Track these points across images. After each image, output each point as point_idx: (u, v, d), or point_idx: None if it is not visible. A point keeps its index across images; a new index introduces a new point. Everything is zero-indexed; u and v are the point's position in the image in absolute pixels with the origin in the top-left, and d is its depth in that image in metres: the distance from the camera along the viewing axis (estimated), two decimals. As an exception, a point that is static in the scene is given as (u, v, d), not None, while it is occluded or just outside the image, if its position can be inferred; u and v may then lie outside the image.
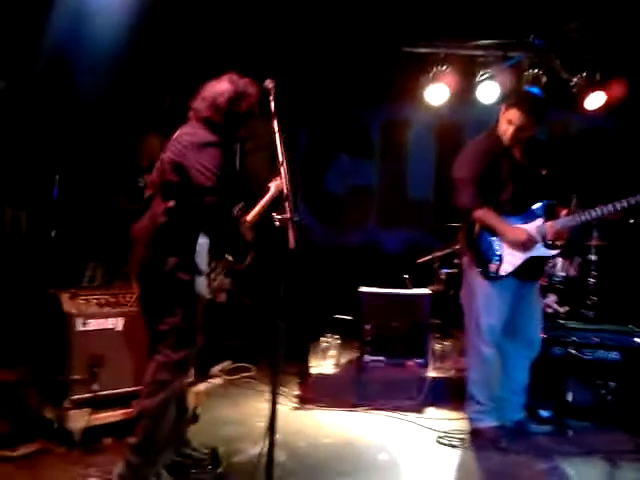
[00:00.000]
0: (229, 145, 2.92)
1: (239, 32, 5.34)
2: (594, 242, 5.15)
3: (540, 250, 3.63)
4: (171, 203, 2.78)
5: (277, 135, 2.62)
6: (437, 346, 4.88)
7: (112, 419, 3.42)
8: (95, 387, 3.37)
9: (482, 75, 5.94)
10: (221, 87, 2.85)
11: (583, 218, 3.56)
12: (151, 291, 2.87)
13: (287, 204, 2.50)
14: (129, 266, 2.97)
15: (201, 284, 2.92)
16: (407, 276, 5.42)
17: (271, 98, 2.75)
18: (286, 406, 4.28)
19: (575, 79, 5.92)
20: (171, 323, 2.80)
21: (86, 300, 3.51)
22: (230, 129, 2.89)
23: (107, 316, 3.51)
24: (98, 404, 3.38)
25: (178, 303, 2.81)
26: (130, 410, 3.39)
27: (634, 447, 3.58)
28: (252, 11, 5.14)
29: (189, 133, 2.83)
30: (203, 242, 2.90)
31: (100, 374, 3.38)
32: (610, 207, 3.49)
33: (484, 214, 3.62)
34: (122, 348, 3.52)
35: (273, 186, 3.32)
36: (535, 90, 5.46)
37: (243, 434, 3.65)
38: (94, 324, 3.44)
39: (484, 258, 3.65)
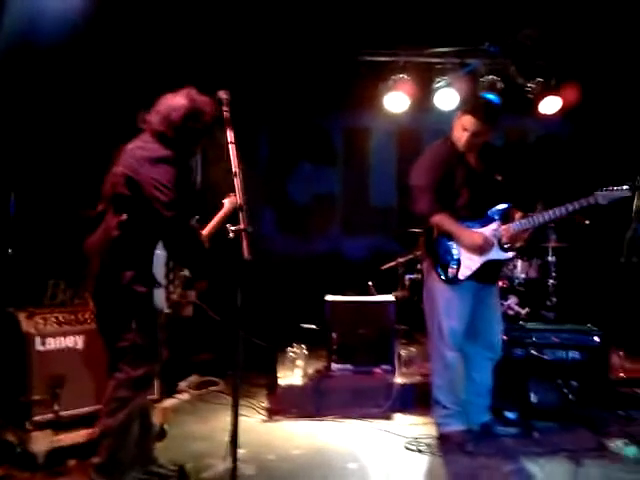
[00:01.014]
0: (184, 160, 2.90)
1: (197, 42, 5.32)
2: (552, 244, 5.27)
3: (497, 253, 3.69)
4: (124, 216, 2.75)
5: (231, 146, 2.62)
6: (403, 352, 4.92)
7: (76, 440, 3.35)
8: (57, 407, 3.30)
9: (439, 82, 6.04)
10: (177, 102, 2.83)
11: (537, 221, 3.64)
12: (107, 306, 2.83)
13: (241, 215, 2.51)
14: (85, 282, 2.92)
15: (159, 297, 2.89)
16: (371, 283, 5.46)
17: (225, 108, 2.74)
18: (255, 419, 4.26)
19: (530, 84, 6.07)
20: (129, 339, 2.76)
21: (44, 319, 3.44)
22: (183, 144, 2.87)
23: (66, 334, 3.44)
24: (61, 425, 3.32)
25: (136, 318, 2.78)
26: (94, 430, 3.35)
27: (598, 445, 3.65)
28: (210, 20, 5.13)
29: (142, 147, 2.81)
30: (160, 254, 2.87)
31: (62, 394, 3.32)
32: (563, 209, 3.58)
33: (441, 219, 3.67)
34: (83, 367, 3.45)
35: (227, 202, 3.29)
36: (491, 96, 5.56)
37: (211, 449, 3.61)
38: (53, 343, 3.38)
39: (443, 263, 3.70)
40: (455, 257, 3.68)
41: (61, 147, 4.82)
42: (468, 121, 3.64)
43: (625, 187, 3.49)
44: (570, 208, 3.56)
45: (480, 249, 3.63)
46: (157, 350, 2.89)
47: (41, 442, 3.23)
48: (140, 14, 4.85)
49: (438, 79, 6.06)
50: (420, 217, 3.77)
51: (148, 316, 2.82)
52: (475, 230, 3.68)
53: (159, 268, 2.88)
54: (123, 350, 2.77)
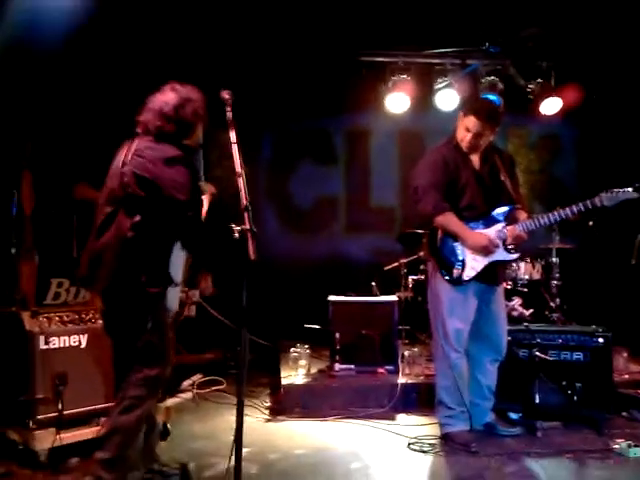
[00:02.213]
0: (192, 157, 2.91)
1: (200, 43, 5.32)
2: (556, 245, 5.28)
3: (501, 254, 3.69)
4: (137, 218, 2.74)
5: (235, 146, 2.62)
6: (406, 352, 4.91)
7: (78, 438, 3.35)
8: (60, 406, 3.29)
9: (440, 83, 6.05)
10: (165, 97, 2.85)
11: (542, 222, 3.63)
12: (121, 307, 2.82)
13: (246, 215, 2.51)
14: (93, 282, 2.90)
15: (173, 296, 2.89)
16: (374, 283, 5.45)
17: (228, 109, 2.74)
18: (258, 418, 4.25)
19: (531, 85, 6.08)
20: (144, 339, 2.77)
21: (48, 318, 3.43)
22: (183, 136, 2.87)
23: (70, 333, 3.44)
24: (64, 423, 3.30)
25: (150, 318, 2.77)
26: (96, 428, 3.34)
27: (602, 446, 3.64)
28: (213, 22, 5.13)
29: (151, 147, 2.80)
30: (181, 254, 2.88)
31: (65, 392, 3.30)
32: (567, 210, 3.57)
33: (446, 219, 3.67)
34: (86, 365, 3.45)
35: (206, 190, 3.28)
36: (492, 97, 5.57)
37: (214, 448, 3.60)
38: (57, 342, 3.37)
39: (447, 263, 3.69)
40: (460, 258, 3.67)
41: (62, 145, 4.81)
42: (471, 122, 3.64)
43: (629, 189, 3.48)
44: (575, 210, 3.56)
45: (485, 250, 3.62)
46: (169, 350, 2.89)
47: (44, 440, 3.23)
48: (144, 15, 4.85)
49: (439, 80, 6.08)
50: (424, 217, 3.76)
51: (162, 316, 2.83)
52: (480, 231, 3.67)
53: (178, 267, 2.88)
54: (137, 350, 2.77)
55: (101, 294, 2.87)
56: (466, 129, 3.67)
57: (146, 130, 2.85)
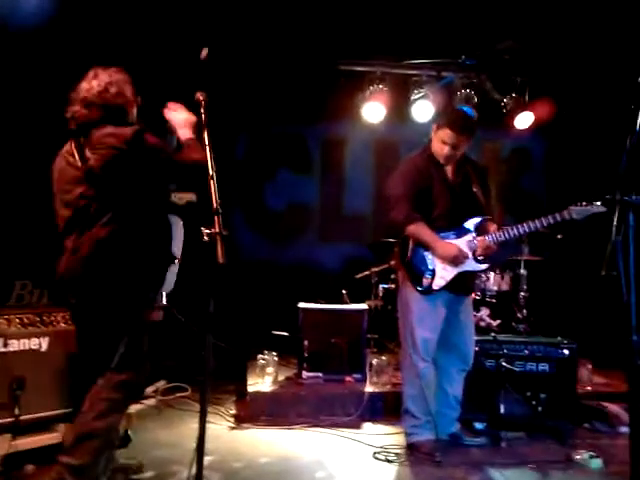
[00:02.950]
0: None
1: (177, 43, 5.28)
2: (524, 257, 5.33)
3: (471, 265, 3.71)
4: (109, 215, 2.67)
5: (207, 148, 2.59)
6: (374, 361, 4.90)
7: (35, 444, 3.25)
8: (17, 411, 3.19)
9: (416, 94, 6.09)
10: (86, 85, 2.81)
11: (512, 233, 3.66)
12: (95, 309, 2.73)
13: (216, 218, 2.47)
14: (62, 284, 2.82)
15: (172, 275, 2.83)
16: (345, 291, 5.45)
17: (202, 110, 2.71)
18: (222, 426, 4.20)
19: (505, 99, 6.16)
20: (120, 345, 2.71)
21: (8, 320, 3.34)
22: (116, 120, 2.80)
23: (30, 336, 3.34)
24: (20, 429, 3.20)
25: (125, 322, 2.72)
26: (55, 434, 3.26)
27: (564, 457, 3.67)
28: (191, 24, 5.10)
29: (104, 134, 2.72)
30: (178, 223, 2.84)
31: (22, 397, 3.20)
32: (537, 223, 3.60)
33: (417, 229, 3.68)
34: (46, 369, 3.35)
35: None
36: (466, 108, 5.63)
37: (177, 456, 3.53)
38: (16, 345, 3.27)
39: (417, 273, 3.70)
40: (430, 267, 3.68)
41: (26, 144, 4.70)
42: (446, 134, 3.66)
43: (598, 203, 3.49)
44: (545, 222, 3.58)
45: (454, 260, 3.64)
46: (145, 356, 2.83)
47: (-1, 447, 3.13)
48: (121, 11, 4.79)
49: (415, 91, 6.13)
50: (395, 226, 3.76)
51: (139, 322, 2.78)
52: (450, 241, 3.69)
53: (178, 239, 2.83)
54: (115, 353, 2.71)
55: (75, 296, 2.79)
56: (442, 142, 3.68)
57: (78, 122, 2.78)
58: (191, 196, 3.14)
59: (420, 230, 3.68)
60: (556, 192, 6.35)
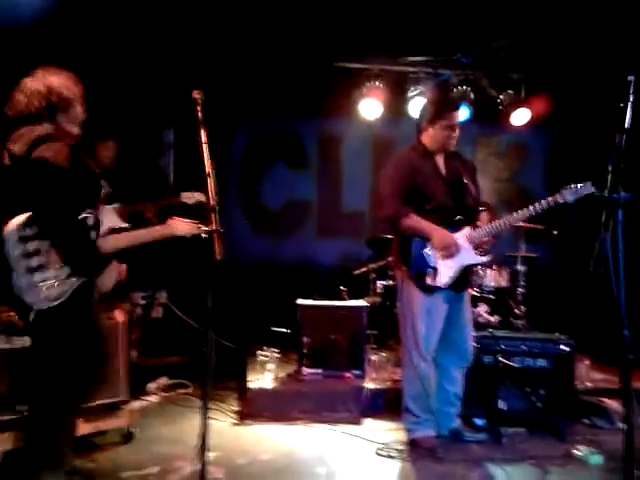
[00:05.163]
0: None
1: (174, 42, 5.28)
2: (522, 253, 5.36)
3: (473, 258, 3.71)
4: (27, 214, 2.49)
5: (204, 146, 2.61)
6: (374, 357, 4.93)
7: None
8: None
9: (413, 91, 6.12)
10: (31, 84, 2.64)
11: (508, 223, 3.63)
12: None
13: (213, 215, 2.50)
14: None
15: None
16: (344, 288, 5.47)
17: (198, 108, 2.71)
18: (225, 422, 4.22)
19: (502, 96, 6.18)
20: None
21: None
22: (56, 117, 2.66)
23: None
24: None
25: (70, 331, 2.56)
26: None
27: (563, 452, 3.70)
28: (189, 22, 5.10)
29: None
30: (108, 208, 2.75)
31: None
32: (531, 209, 3.55)
33: (411, 221, 3.66)
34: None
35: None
36: (463, 106, 5.66)
37: (179, 452, 3.55)
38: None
39: (419, 271, 3.68)
40: (431, 265, 3.67)
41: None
42: (446, 119, 3.69)
43: (589, 183, 3.44)
44: (538, 207, 3.53)
45: (449, 250, 3.62)
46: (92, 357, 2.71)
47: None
48: (117, 13, 4.79)
49: (412, 88, 6.15)
50: (388, 223, 3.75)
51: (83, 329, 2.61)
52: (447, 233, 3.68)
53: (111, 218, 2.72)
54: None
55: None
56: (445, 128, 3.70)
57: (22, 118, 2.61)
58: (200, 195, 3.15)
59: (414, 221, 3.66)
60: (553, 188, 6.36)
